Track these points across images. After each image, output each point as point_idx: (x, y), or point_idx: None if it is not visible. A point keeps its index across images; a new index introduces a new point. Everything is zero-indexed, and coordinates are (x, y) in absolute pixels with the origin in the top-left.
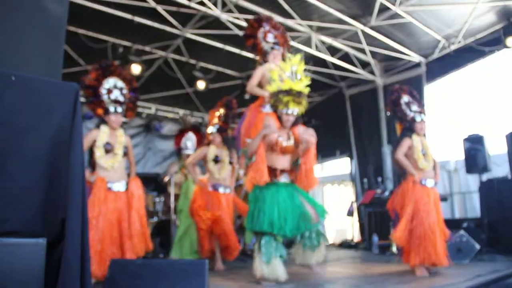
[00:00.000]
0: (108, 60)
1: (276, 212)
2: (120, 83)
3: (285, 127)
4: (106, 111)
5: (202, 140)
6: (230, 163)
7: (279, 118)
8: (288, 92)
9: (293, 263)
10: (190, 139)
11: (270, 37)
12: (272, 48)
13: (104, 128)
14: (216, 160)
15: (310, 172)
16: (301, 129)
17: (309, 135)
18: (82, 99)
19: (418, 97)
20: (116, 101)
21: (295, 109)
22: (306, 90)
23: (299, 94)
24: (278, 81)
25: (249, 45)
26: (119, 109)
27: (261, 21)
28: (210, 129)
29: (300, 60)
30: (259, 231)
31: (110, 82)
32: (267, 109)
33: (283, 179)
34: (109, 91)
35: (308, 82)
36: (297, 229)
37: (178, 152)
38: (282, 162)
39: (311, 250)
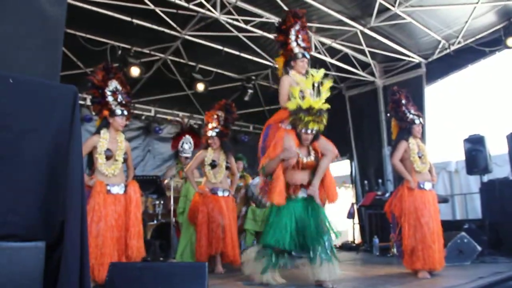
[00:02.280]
0: (109, 62)
1: (289, 228)
2: (119, 87)
3: (305, 144)
4: (112, 113)
5: (200, 142)
6: (227, 168)
7: (298, 136)
8: (308, 111)
9: (294, 266)
10: (187, 142)
11: (301, 40)
12: (303, 56)
13: (104, 134)
14: (213, 164)
15: (331, 186)
16: (322, 142)
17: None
18: (81, 102)
19: (413, 102)
20: (122, 104)
21: (314, 128)
22: (326, 107)
23: (319, 112)
24: (299, 99)
25: (278, 40)
26: (126, 112)
27: (297, 17)
28: (210, 133)
29: (323, 75)
30: (269, 245)
31: (113, 84)
32: (287, 125)
33: (301, 194)
34: (114, 94)
35: (328, 94)
36: (304, 246)
37: (176, 155)
38: (301, 177)
39: (324, 264)
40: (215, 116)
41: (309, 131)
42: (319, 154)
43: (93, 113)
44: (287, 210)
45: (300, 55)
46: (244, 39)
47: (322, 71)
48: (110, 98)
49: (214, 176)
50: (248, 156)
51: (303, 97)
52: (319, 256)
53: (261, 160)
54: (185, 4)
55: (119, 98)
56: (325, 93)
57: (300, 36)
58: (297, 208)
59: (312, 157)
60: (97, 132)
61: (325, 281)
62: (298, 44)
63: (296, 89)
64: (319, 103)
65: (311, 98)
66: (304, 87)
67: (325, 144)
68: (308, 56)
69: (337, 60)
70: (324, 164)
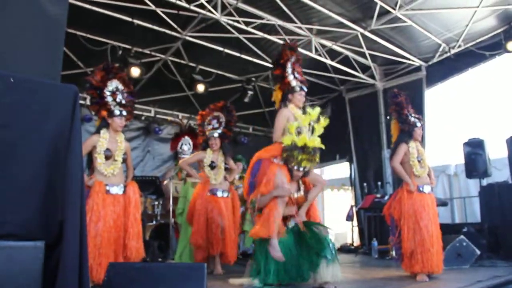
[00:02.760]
0: (109, 62)
1: (288, 263)
2: (121, 86)
3: (295, 180)
4: (111, 113)
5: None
6: (226, 169)
7: (290, 171)
8: (303, 149)
9: None
10: (186, 143)
11: (297, 73)
12: (301, 89)
13: (104, 134)
14: (212, 166)
15: (316, 218)
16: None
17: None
18: (81, 101)
19: (411, 105)
20: (121, 104)
21: (307, 166)
22: (321, 146)
23: (314, 151)
24: (295, 135)
25: (275, 74)
26: (124, 112)
27: (293, 50)
28: (212, 134)
29: (319, 113)
30: (273, 284)
31: (113, 84)
32: (279, 160)
33: (291, 224)
34: (114, 94)
35: (321, 131)
36: (303, 276)
37: (175, 156)
38: (290, 210)
39: (329, 265)
40: (213, 117)
41: (301, 169)
42: (309, 186)
43: (93, 113)
44: (282, 244)
45: (298, 88)
46: (245, 40)
47: (318, 109)
48: (109, 99)
49: (214, 177)
50: (247, 158)
51: (299, 133)
52: (324, 257)
53: (251, 195)
54: (186, 5)
55: (118, 98)
56: (319, 131)
57: (296, 69)
58: (289, 238)
59: (301, 192)
60: (97, 132)
61: (329, 282)
62: (295, 77)
63: (293, 126)
64: (314, 142)
65: (307, 136)
66: (302, 124)
67: (315, 176)
68: (305, 89)
69: (338, 62)
70: (313, 194)
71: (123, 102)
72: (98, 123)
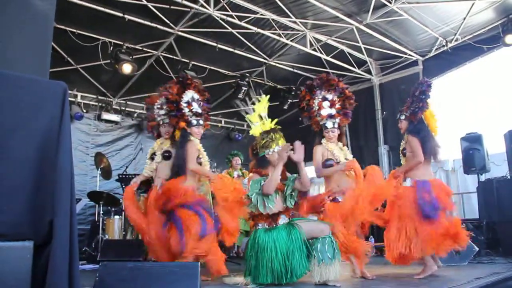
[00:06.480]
0: (184, 75)
1: (277, 261)
2: (196, 96)
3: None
4: (189, 124)
5: None
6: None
7: (269, 163)
8: (274, 131)
9: None
10: None
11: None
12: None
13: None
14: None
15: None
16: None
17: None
18: (72, 99)
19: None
20: (197, 114)
21: (282, 143)
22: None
23: (279, 130)
24: (261, 124)
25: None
26: (201, 121)
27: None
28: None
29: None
30: (263, 283)
31: (188, 95)
32: None
33: (282, 220)
34: (189, 105)
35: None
36: (294, 275)
37: None
38: (279, 204)
39: (326, 264)
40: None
41: (279, 148)
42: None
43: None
44: (274, 243)
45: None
46: (238, 35)
47: (266, 97)
48: (185, 110)
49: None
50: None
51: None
52: (314, 257)
53: None
54: (178, 0)
55: (194, 108)
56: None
57: None
58: (281, 237)
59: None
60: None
61: (333, 280)
62: None
63: (253, 116)
64: (272, 123)
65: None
66: (258, 112)
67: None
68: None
69: (333, 57)
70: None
71: (199, 111)
72: (178, 134)
